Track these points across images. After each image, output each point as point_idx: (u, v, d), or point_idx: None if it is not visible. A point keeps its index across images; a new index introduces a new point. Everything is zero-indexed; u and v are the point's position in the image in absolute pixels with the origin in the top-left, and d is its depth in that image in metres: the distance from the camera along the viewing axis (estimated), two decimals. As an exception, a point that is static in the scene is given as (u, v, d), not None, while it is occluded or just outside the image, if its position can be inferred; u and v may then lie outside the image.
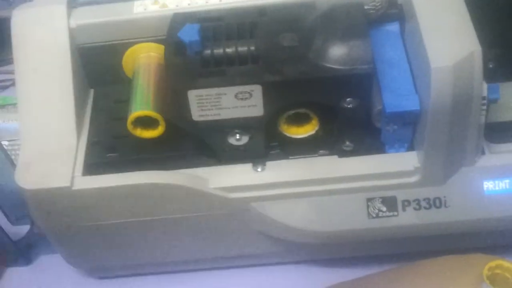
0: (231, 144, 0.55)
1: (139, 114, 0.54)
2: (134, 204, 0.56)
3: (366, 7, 0.55)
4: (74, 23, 0.57)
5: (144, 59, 0.57)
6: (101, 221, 0.57)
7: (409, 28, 0.55)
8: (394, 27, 0.57)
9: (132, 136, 0.55)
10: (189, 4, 0.57)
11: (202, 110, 0.53)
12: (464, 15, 0.52)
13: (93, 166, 0.56)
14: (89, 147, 0.57)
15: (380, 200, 0.56)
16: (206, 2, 0.57)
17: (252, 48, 0.52)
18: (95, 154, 0.56)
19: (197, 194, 0.55)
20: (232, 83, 0.51)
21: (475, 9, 0.53)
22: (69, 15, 0.57)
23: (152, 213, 0.57)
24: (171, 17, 0.55)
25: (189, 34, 0.52)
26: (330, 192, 0.56)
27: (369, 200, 0.56)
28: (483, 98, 0.52)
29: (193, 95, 0.52)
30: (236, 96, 0.52)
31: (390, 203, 0.56)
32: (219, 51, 0.52)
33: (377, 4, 0.56)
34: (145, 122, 0.55)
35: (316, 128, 0.56)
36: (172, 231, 0.59)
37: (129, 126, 0.54)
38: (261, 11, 0.55)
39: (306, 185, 0.56)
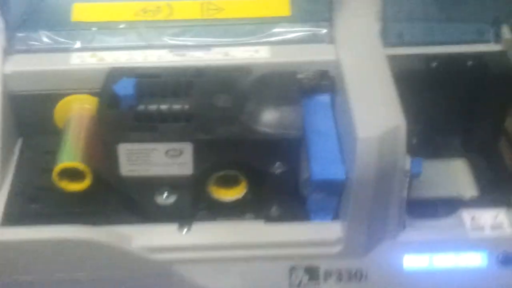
0: (158, 203, 0.55)
1: (65, 165, 0.53)
2: (52, 259, 0.54)
3: (299, 76, 0.57)
4: (8, 69, 0.57)
5: (77, 111, 0.57)
6: (18, 276, 0.54)
7: (340, 100, 0.57)
8: (325, 98, 0.59)
9: (58, 188, 0.54)
10: (127, 60, 0.58)
11: (131, 165, 0.52)
12: (391, 90, 0.55)
13: (12, 217, 0.54)
14: (10, 197, 0.55)
15: (303, 269, 0.56)
16: (144, 59, 0.58)
17: (186, 106, 0.53)
18: (16, 204, 0.55)
19: (118, 253, 0.54)
20: (164, 140, 0.51)
21: (402, 86, 0.55)
22: (4, 61, 0.57)
23: (73, 271, 0.55)
24: (108, 71, 0.55)
25: (124, 88, 0.52)
26: (255, 258, 0.56)
27: (292, 268, 0.56)
28: (406, 171, 0.54)
29: (123, 149, 0.51)
30: (166, 153, 0.52)
31: (313, 273, 0.56)
32: (153, 107, 0.53)
33: (310, 74, 0.58)
34: (72, 174, 0.54)
35: (245, 191, 0.56)
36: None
37: (55, 177, 0.53)
38: (198, 72, 0.56)
39: (231, 250, 0.55)
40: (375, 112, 0.53)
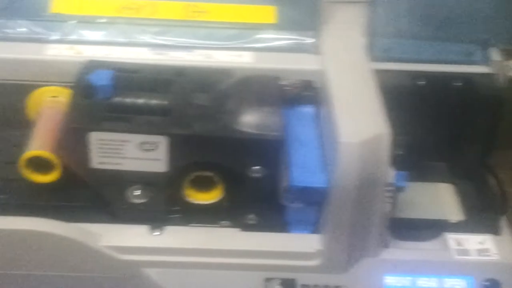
0: (130, 201, 0.52)
1: (33, 154, 0.50)
2: (15, 253, 0.50)
3: (283, 82, 0.55)
4: (-20, 55, 0.55)
5: (50, 103, 0.54)
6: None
7: (323, 110, 0.55)
8: (308, 109, 0.57)
9: (24, 180, 0.51)
10: (105, 55, 0.56)
11: (102, 157, 0.50)
12: (376, 100, 0.53)
13: None
14: None
15: (279, 281, 0.53)
16: (123, 56, 0.56)
17: (164, 102, 0.51)
18: None
19: (84, 250, 0.51)
20: (138, 131, 0.49)
21: (387, 102, 0.54)
22: (-24, 47, 0.55)
23: (35, 267, 0.51)
24: (86, 62, 0.53)
25: (100, 78, 0.50)
26: (228, 266, 0.53)
27: (267, 280, 0.53)
28: (389, 184, 0.51)
29: (95, 138, 0.49)
30: (140, 146, 0.49)
31: (289, 285, 0.53)
32: (129, 99, 0.50)
33: (294, 83, 0.56)
34: (41, 165, 0.51)
35: (221, 196, 0.54)
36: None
37: (22, 166, 0.51)
38: (178, 71, 0.54)
39: (203, 256, 0.53)
40: (358, 119, 0.51)
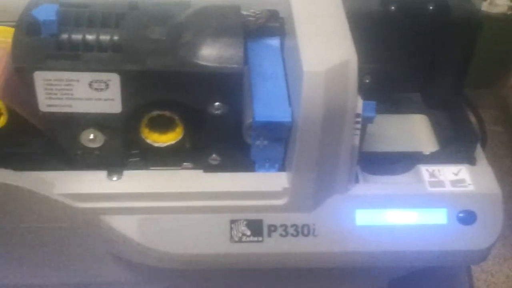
0: (84, 146, 0.50)
1: (-24, 98, 0.47)
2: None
3: (244, 13, 0.52)
4: None
5: (-6, 44, 0.51)
6: None
7: (288, 41, 0.52)
8: (274, 42, 0.54)
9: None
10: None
11: (51, 98, 0.47)
12: (343, 27, 0.50)
13: None
14: None
15: (245, 222, 0.52)
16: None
17: (115, 37, 0.48)
18: None
19: (39, 200, 0.49)
20: (86, 69, 0.46)
21: (358, 30, 0.51)
22: None
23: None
24: None
25: (45, 13, 0.47)
26: (192, 210, 0.51)
27: (233, 222, 0.52)
28: (358, 114, 0.49)
29: (40, 78, 0.46)
30: (90, 85, 0.46)
31: (256, 226, 0.52)
32: (77, 35, 0.47)
33: (257, 13, 0.53)
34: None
35: (181, 136, 0.51)
36: (8, 245, 0.52)
37: (-35, 112, 0.48)
38: (132, 5, 0.51)
39: (165, 200, 0.51)
40: (324, 47, 0.48)
